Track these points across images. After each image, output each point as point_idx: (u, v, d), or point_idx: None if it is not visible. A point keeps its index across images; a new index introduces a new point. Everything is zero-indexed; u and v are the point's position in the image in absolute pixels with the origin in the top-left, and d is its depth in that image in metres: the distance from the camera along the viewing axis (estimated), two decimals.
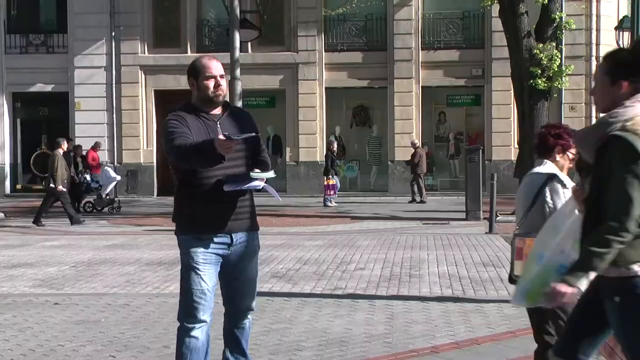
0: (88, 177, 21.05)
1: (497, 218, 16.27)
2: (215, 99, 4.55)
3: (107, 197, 20.82)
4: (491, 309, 7.54)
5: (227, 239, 4.55)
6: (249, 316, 4.81)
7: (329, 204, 21.68)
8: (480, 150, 18.10)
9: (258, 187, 4.54)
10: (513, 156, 24.23)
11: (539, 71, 17.64)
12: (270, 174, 4.54)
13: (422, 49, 26.16)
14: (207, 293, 4.50)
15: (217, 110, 4.60)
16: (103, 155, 26.60)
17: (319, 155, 26.30)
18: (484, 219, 16.64)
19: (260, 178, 4.47)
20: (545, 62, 17.70)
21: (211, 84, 4.52)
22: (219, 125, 4.51)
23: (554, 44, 18.32)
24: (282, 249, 12.42)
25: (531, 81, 17.62)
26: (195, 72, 4.55)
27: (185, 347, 4.51)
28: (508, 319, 7.10)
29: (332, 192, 21.95)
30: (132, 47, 26.97)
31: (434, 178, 27.09)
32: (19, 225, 17.36)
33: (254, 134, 4.44)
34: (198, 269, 4.49)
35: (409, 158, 23.75)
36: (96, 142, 23.87)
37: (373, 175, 27.21)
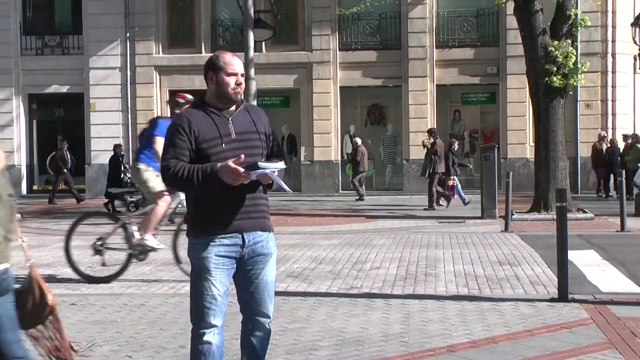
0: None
1: (513, 216, 16.24)
2: (234, 96, 4.47)
3: None
4: (507, 308, 7.51)
5: (238, 240, 4.41)
6: (268, 325, 4.61)
7: (441, 204, 20.70)
8: (496, 149, 18.05)
9: (267, 172, 4.29)
10: (529, 154, 24.19)
11: (555, 68, 17.56)
12: (281, 164, 4.38)
13: (436, 47, 26.11)
14: (218, 298, 4.40)
15: (231, 107, 4.51)
16: None
17: (334, 155, 26.32)
18: (500, 217, 16.62)
19: (268, 168, 4.28)
20: (560, 60, 17.62)
21: (232, 81, 4.44)
22: (230, 121, 4.43)
23: (570, 41, 18.22)
24: (298, 248, 12.43)
25: (546, 79, 17.55)
26: (216, 66, 4.46)
27: (199, 352, 4.44)
28: (525, 318, 7.07)
29: (451, 194, 20.91)
30: (147, 48, 27.06)
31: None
32: (36, 227, 17.43)
33: (275, 168, 4.33)
34: (209, 274, 4.38)
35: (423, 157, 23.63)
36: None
37: (388, 174, 27.19)
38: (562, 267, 7.88)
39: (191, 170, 4.27)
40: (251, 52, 18.73)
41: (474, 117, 27.36)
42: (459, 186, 21.46)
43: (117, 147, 22.23)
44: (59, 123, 28.58)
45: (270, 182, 4.41)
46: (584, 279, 9.30)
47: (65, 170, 24.52)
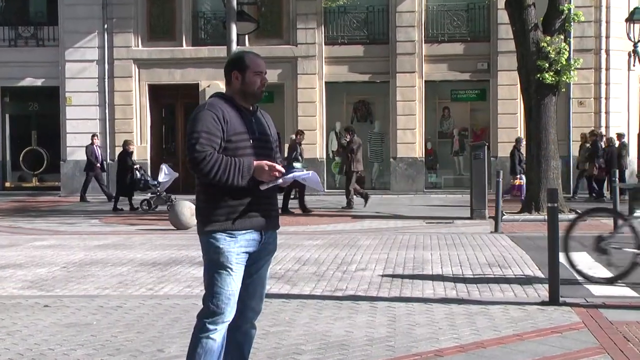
0: (147, 175, 21.35)
1: (503, 217, 16.27)
2: (260, 94, 4.67)
3: (164, 194, 20.59)
4: (497, 311, 7.52)
5: (258, 237, 4.58)
6: (254, 321, 4.78)
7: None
8: (486, 147, 18.08)
9: (300, 178, 4.57)
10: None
11: (547, 65, 17.62)
12: (306, 171, 4.69)
13: (425, 42, 26.14)
14: (235, 294, 4.51)
15: (250, 107, 4.70)
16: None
17: (319, 152, 26.31)
18: (490, 217, 16.65)
19: (299, 170, 4.55)
20: (553, 56, 17.68)
21: (259, 79, 4.64)
22: (253, 121, 4.62)
23: (562, 37, 18.30)
24: (281, 248, 12.37)
25: (538, 75, 17.61)
26: (243, 65, 4.63)
27: (202, 347, 4.49)
28: (514, 322, 7.08)
29: (518, 194, 20.82)
30: (126, 40, 26.95)
31: (437, 175, 27.10)
32: (8, 225, 17.34)
33: (309, 172, 4.62)
34: (232, 269, 4.48)
35: (414, 155, 23.75)
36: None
37: (375, 172, 27.22)
38: (553, 269, 7.90)
39: (229, 164, 4.40)
40: (234, 46, 18.67)
41: (464, 114, 27.40)
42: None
43: (127, 144, 21.87)
44: (33, 117, 28.43)
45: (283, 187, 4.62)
46: (575, 282, 9.32)
47: (98, 165, 23.95)
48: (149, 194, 20.82)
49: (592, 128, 24.56)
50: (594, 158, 22.86)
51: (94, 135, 24.58)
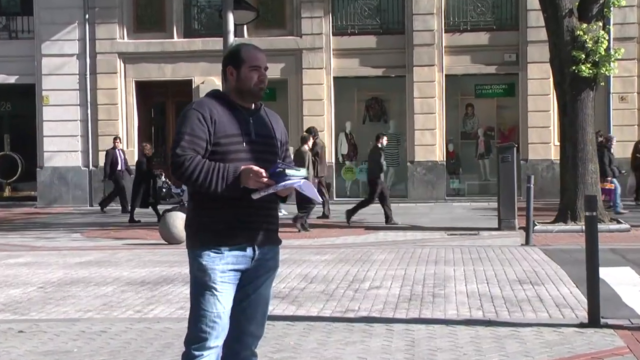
0: (169, 182, 21.43)
1: (535, 227, 16.22)
2: (258, 92, 4.64)
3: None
4: (529, 334, 7.50)
5: (250, 252, 4.53)
6: (254, 348, 4.69)
7: (620, 210, 20.67)
8: (515, 149, 18.03)
9: (295, 185, 4.40)
10: (553, 155, 24.22)
11: (583, 56, 17.57)
12: (303, 171, 4.47)
13: (445, 32, 26.12)
14: (223, 317, 4.46)
15: (250, 106, 4.67)
16: (76, 158, 26.69)
17: (327, 156, 26.26)
18: (520, 228, 16.61)
19: (298, 176, 4.37)
20: (590, 45, 17.63)
21: (256, 75, 4.61)
22: (251, 121, 4.59)
23: (601, 24, 18.24)
24: (285, 264, 12.37)
25: (574, 67, 17.56)
26: (238, 59, 4.61)
27: None
28: (549, 346, 7.05)
29: (609, 198, 20.81)
30: (109, 32, 27.00)
31: (460, 181, 27.06)
32: None
33: (300, 177, 4.42)
34: (215, 289, 4.45)
35: (434, 158, 23.73)
36: None
37: (389, 178, 27.18)
38: (593, 286, 7.87)
39: (211, 169, 4.37)
40: (231, 37, 18.69)
41: (490, 112, 27.37)
42: (619, 190, 21.41)
43: (143, 148, 21.77)
44: (5, 119, 28.55)
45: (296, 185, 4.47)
46: (618, 301, 9.28)
47: (120, 172, 23.85)
48: (171, 204, 20.91)
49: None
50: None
51: (116, 139, 24.34)
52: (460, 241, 15.78)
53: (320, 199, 4.22)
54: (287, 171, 4.33)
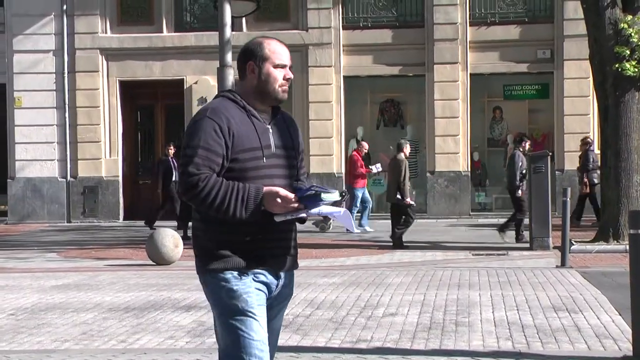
0: None
1: (572, 247, 16.20)
2: (281, 94, 4.56)
3: None
4: None
5: (274, 280, 4.52)
6: None
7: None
8: (549, 158, 18.04)
9: (334, 214, 4.44)
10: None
11: (628, 52, 17.59)
12: (336, 194, 4.41)
13: (470, 25, 26.16)
14: (266, 342, 4.42)
15: (266, 110, 4.59)
16: (52, 168, 26.73)
17: (336, 166, 26.31)
18: (555, 248, 16.58)
19: (332, 202, 4.35)
20: (635, 40, 17.64)
21: (281, 75, 4.54)
22: (271, 131, 4.51)
23: None
24: None
25: (616, 65, 17.57)
26: (260, 55, 4.52)
27: None
28: None
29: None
30: (90, 25, 27.08)
31: (486, 194, 27.04)
32: None
33: (340, 210, 4.43)
34: (254, 314, 4.38)
35: (457, 168, 23.74)
36: None
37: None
38: (638, 314, 7.85)
39: (229, 191, 4.30)
40: (227, 32, 18.73)
41: (521, 116, 27.38)
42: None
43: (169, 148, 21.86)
44: None
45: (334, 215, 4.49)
46: None
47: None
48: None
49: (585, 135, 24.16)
50: (583, 173, 22.61)
51: (169, 144, 23.54)
52: (486, 262, 15.75)
53: (354, 229, 4.27)
54: (323, 195, 4.31)
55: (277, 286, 4.53)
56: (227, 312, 4.41)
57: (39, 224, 25.73)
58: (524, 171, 18.77)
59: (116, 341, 9.17)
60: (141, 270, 15.03)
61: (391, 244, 18.22)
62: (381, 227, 21.24)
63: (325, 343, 8.89)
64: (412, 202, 18.43)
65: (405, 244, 18.09)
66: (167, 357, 8.14)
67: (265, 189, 4.30)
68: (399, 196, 18.17)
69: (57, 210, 26.60)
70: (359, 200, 22.26)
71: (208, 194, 4.28)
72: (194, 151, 4.32)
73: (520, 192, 18.70)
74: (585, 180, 22.43)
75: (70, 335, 9.52)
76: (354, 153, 23.02)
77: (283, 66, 4.54)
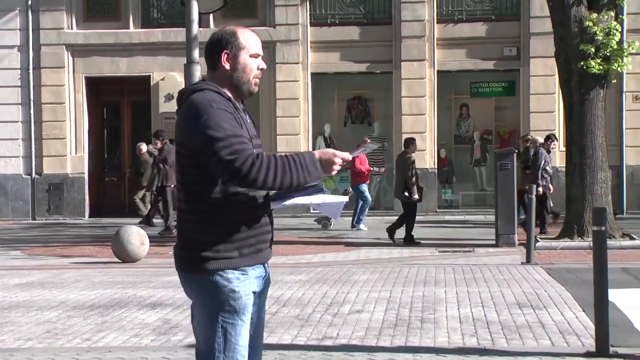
0: None
1: (537, 244, 16.29)
2: (254, 87, 4.50)
3: None
4: None
5: (264, 272, 4.50)
6: None
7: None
8: (515, 155, 18.11)
9: (315, 203, 4.47)
10: (558, 162, 24.27)
11: (592, 50, 17.67)
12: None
13: (438, 22, 26.21)
14: (247, 351, 4.42)
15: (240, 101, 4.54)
16: (17, 165, 26.57)
17: None
18: (520, 244, 16.66)
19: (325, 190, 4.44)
20: (600, 38, 17.73)
21: (255, 64, 4.47)
22: (248, 121, 4.45)
23: (612, 14, 18.34)
24: None
25: (582, 63, 17.66)
26: (235, 44, 4.42)
27: None
28: None
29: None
30: (56, 21, 26.93)
31: (453, 191, 27.13)
32: None
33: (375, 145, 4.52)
34: (245, 320, 4.36)
35: (424, 165, 23.80)
36: None
37: (374, 187, 27.22)
38: (601, 311, 7.90)
39: (285, 162, 4.22)
40: (195, 28, 18.68)
41: (487, 113, 27.47)
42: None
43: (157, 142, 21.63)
44: None
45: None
46: (630, 327, 9.33)
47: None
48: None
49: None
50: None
51: (157, 140, 22.50)
52: (452, 259, 15.81)
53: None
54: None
55: (264, 278, 4.49)
56: (220, 313, 4.33)
57: (3, 222, 25.55)
58: (547, 168, 19.33)
59: (80, 339, 9.13)
60: (106, 268, 14.97)
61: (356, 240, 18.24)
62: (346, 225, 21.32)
63: (291, 340, 8.89)
64: (416, 197, 18.40)
65: (416, 240, 18.30)
66: (132, 355, 8.11)
67: (319, 152, 4.28)
68: (406, 193, 18.25)
69: (21, 207, 26.43)
70: (366, 193, 22.22)
71: (267, 173, 4.16)
72: (230, 140, 4.18)
73: (540, 188, 18.84)
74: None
75: (33, 333, 9.48)
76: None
77: (257, 55, 4.49)
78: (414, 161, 18.71)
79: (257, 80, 4.48)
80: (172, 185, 20.09)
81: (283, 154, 4.27)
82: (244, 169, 4.13)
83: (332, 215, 4.74)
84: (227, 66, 4.42)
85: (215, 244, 4.31)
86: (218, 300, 4.32)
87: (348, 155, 4.29)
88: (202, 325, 4.39)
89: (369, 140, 21.16)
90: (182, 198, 4.39)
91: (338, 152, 4.26)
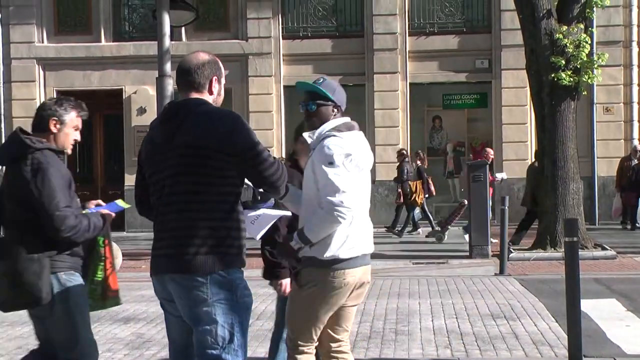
0: None
1: (511, 255, 16.33)
2: None
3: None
4: None
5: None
6: None
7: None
8: (487, 166, 18.17)
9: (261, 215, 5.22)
10: (519, 173, 24.39)
11: (563, 62, 17.77)
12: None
13: (409, 35, 26.29)
14: None
15: None
16: None
17: None
18: (493, 256, 16.70)
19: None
20: (570, 50, 17.84)
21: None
22: None
23: (582, 26, 18.45)
24: None
25: (552, 75, 17.75)
26: (220, 71, 4.81)
27: None
28: None
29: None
30: (26, 34, 26.83)
31: (427, 203, 27.15)
32: None
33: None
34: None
35: (396, 176, 23.87)
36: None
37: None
38: (574, 321, 7.93)
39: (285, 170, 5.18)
40: (166, 41, 18.64)
41: (460, 125, 27.55)
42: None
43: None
44: None
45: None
46: (602, 337, 9.37)
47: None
48: None
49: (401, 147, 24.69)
50: (398, 184, 23.14)
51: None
52: (426, 271, 15.81)
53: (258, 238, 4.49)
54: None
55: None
56: (243, 306, 4.77)
57: None
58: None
59: None
60: None
61: None
62: None
63: (265, 354, 8.86)
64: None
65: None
66: None
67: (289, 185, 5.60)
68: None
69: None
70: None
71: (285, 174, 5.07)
72: (264, 150, 4.96)
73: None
74: (399, 190, 22.95)
75: (5, 349, 9.41)
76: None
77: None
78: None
79: None
80: None
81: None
82: (278, 175, 4.98)
83: (251, 233, 5.19)
84: (218, 89, 4.88)
85: (232, 242, 4.78)
86: (238, 297, 4.78)
87: None
88: (218, 320, 4.68)
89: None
90: (194, 202, 4.73)
91: None
